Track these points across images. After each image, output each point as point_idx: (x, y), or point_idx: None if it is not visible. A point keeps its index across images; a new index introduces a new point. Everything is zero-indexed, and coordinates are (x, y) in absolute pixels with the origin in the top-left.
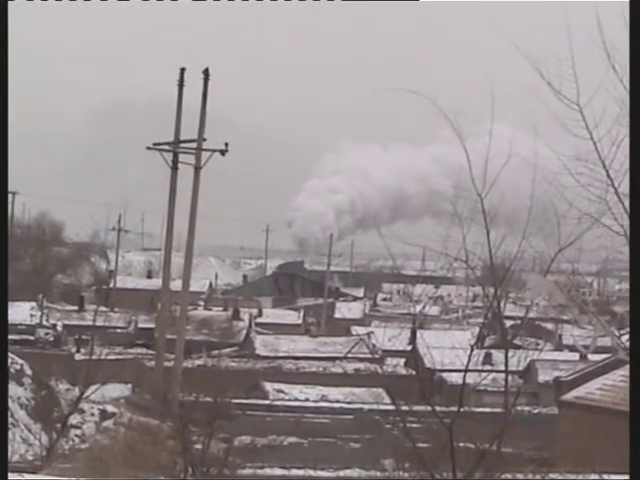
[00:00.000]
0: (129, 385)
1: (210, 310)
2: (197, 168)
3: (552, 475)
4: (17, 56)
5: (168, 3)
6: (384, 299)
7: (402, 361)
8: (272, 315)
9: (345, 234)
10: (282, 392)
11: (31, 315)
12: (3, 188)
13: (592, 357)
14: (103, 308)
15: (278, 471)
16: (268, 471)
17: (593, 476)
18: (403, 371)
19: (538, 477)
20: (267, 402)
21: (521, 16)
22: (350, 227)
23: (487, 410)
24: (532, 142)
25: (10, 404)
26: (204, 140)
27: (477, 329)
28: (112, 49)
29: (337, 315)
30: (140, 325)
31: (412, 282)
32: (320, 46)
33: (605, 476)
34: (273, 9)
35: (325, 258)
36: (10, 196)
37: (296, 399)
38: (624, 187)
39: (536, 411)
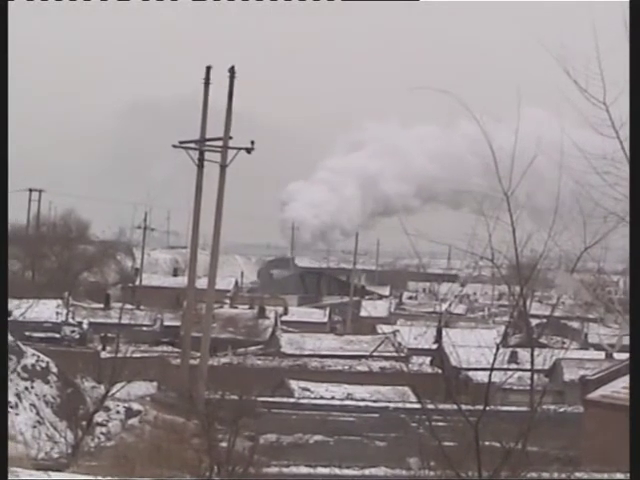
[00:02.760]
0: (154, 383)
1: (236, 308)
2: (223, 166)
3: (577, 474)
4: (45, 55)
5: (189, 2)
6: (410, 297)
7: (428, 359)
8: (298, 313)
9: (367, 226)
10: (308, 390)
11: (57, 313)
12: (3, 188)
13: (618, 356)
14: (129, 306)
15: (304, 469)
16: (294, 469)
17: (619, 475)
18: (429, 369)
19: (564, 476)
20: (293, 400)
21: (548, 15)
22: (374, 217)
23: (513, 409)
24: (559, 140)
25: (36, 402)
26: (230, 138)
27: (503, 328)
28: (137, 48)
29: (363, 313)
30: (166, 323)
31: (438, 280)
32: (345, 44)
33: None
34: (296, 8)
35: (350, 256)
36: (36, 194)
37: (322, 397)
38: None
39: (562, 410)
